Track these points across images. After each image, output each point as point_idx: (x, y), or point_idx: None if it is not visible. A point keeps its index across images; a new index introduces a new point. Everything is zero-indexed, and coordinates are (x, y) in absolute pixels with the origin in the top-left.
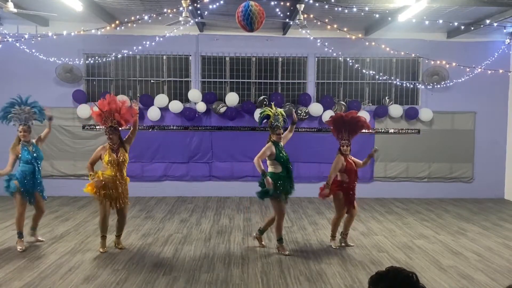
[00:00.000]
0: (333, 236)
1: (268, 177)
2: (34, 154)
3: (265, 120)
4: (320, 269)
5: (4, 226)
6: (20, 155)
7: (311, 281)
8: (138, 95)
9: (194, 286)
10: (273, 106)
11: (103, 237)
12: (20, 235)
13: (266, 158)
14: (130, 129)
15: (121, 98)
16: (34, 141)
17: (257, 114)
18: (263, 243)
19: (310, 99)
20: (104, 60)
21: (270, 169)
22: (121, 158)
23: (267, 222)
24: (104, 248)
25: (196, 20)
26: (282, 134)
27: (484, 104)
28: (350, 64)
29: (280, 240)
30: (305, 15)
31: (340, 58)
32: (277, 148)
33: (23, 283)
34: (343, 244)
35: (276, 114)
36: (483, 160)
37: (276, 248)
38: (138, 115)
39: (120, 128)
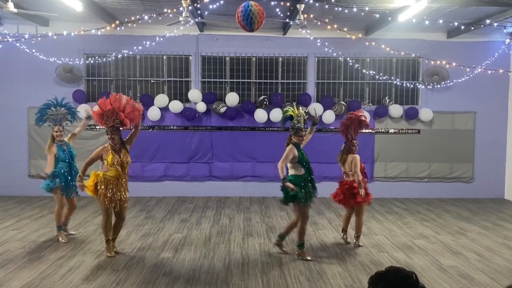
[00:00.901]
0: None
1: (288, 182)
2: (68, 153)
3: (288, 121)
4: (320, 269)
5: (4, 226)
6: (56, 155)
7: (311, 281)
8: (138, 95)
9: (194, 286)
10: (295, 107)
11: (108, 241)
12: (60, 228)
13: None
14: (130, 129)
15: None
16: (66, 139)
17: (257, 114)
18: (284, 249)
19: (310, 99)
20: (104, 60)
21: (291, 172)
22: (124, 159)
23: (288, 227)
24: (111, 253)
25: (196, 20)
26: (304, 136)
27: (484, 104)
28: (350, 64)
29: (302, 245)
30: (305, 15)
31: (340, 58)
32: (299, 150)
33: (23, 283)
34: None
35: (299, 115)
36: (483, 160)
37: (297, 254)
38: (141, 115)
39: (121, 128)
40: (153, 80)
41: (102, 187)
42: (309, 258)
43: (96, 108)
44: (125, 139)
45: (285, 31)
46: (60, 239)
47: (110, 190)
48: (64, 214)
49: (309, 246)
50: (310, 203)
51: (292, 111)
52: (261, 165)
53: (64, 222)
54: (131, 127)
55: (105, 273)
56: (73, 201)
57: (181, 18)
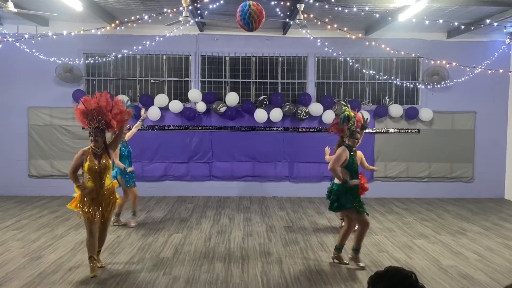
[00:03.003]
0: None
1: (352, 180)
2: (127, 149)
3: (345, 121)
4: (320, 269)
5: (4, 226)
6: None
7: (311, 281)
8: (138, 95)
9: (194, 286)
10: (349, 107)
11: (92, 259)
12: (134, 213)
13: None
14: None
15: (121, 97)
16: (125, 138)
17: (257, 113)
18: (345, 261)
19: (310, 99)
20: (104, 60)
21: (336, 180)
22: (104, 164)
23: (342, 237)
24: (96, 272)
25: (196, 20)
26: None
27: (484, 104)
28: (350, 64)
29: (358, 250)
30: (305, 15)
31: (340, 58)
32: (351, 154)
33: (23, 283)
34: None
35: (354, 117)
36: (483, 160)
37: (351, 259)
38: (129, 119)
39: (106, 131)
40: (153, 80)
41: (85, 199)
42: (362, 264)
43: (79, 105)
44: (108, 143)
45: (285, 31)
46: (133, 223)
47: (91, 203)
48: (124, 204)
49: (309, 246)
50: (364, 210)
51: (349, 111)
52: (261, 165)
53: (118, 211)
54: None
55: (105, 273)
56: (133, 190)
57: (181, 18)
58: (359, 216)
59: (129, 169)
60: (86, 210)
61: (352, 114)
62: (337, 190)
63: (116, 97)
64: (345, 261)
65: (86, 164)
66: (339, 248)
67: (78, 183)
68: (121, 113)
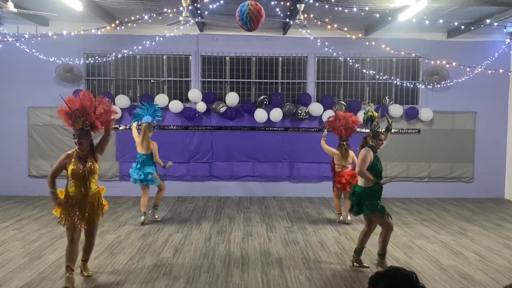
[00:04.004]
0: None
1: (383, 180)
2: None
3: (369, 122)
4: (320, 269)
5: (4, 226)
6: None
7: (311, 281)
8: (138, 95)
9: (194, 286)
10: (372, 107)
11: (68, 269)
12: (156, 207)
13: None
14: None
15: (120, 99)
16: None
17: (257, 113)
18: (365, 264)
19: (310, 99)
20: (104, 60)
21: (361, 181)
22: (89, 168)
23: (362, 239)
24: (70, 284)
25: (196, 20)
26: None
27: (484, 104)
28: (350, 64)
29: (384, 255)
30: (305, 15)
31: (340, 58)
32: (375, 156)
33: (23, 283)
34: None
35: (377, 117)
36: (483, 160)
37: (377, 265)
38: (115, 119)
39: (92, 133)
40: (153, 80)
41: (70, 206)
42: (365, 265)
43: (63, 106)
44: (95, 146)
45: (285, 31)
46: (156, 216)
47: (74, 210)
48: (161, 197)
49: (309, 246)
50: (387, 214)
51: (373, 112)
52: (261, 165)
53: (155, 204)
54: (101, 131)
55: (105, 273)
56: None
57: (181, 18)
58: (381, 220)
59: (168, 164)
60: (68, 216)
61: (376, 114)
62: (360, 193)
63: (101, 96)
64: (364, 264)
65: (70, 168)
66: (358, 251)
67: (53, 189)
68: (105, 113)
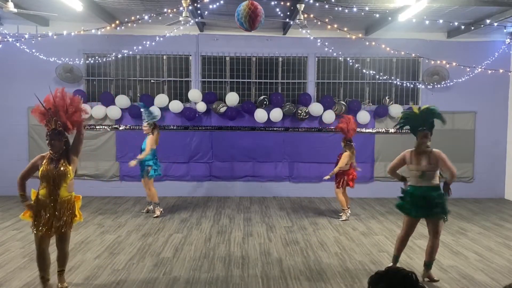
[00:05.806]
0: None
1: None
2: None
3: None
4: (320, 269)
5: (4, 226)
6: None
7: (311, 281)
8: (138, 95)
9: (194, 286)
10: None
11: (43, 279)
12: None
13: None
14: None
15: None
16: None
17: (257, 113)
18: (436, 278)
19: (310, 99)
20: (104, 60)
21: (411, 181)
22: (60, 171)
23: (430, 251)
24: None
25: (196, 20)
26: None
27: (484, 104)
28: (350, 64)
29: (397, 258)
30: (305, 15)
31: (340, 58)
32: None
33: (23, 283)
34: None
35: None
36: (483, 160)
37: (422, 276)
38: (85, 119)
39: (67, 134)
40: (153, 80)
41: (35, 210)
42: (436, 278)
43: (38, 105)
44: (69, 147)
45: (285, 31)
46: (158, 213)
47: (42, 214)
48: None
49: (309, 246)
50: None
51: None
52: (261, 165)
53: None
54: (73, 131)
55: (105, 273)
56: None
57: (181, 18)
58: (441, 225)
59: (132, 163)
60: (36, 223)
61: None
62: (444, 195)
63: (72, 94)
64: (435, 278)
65: (40, 169)
66: (429, 264)
67: (22, 192)
68: (76, 113)
